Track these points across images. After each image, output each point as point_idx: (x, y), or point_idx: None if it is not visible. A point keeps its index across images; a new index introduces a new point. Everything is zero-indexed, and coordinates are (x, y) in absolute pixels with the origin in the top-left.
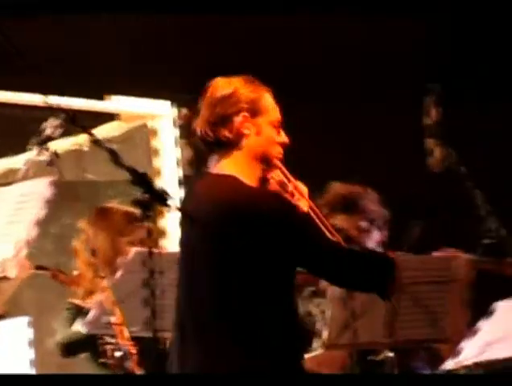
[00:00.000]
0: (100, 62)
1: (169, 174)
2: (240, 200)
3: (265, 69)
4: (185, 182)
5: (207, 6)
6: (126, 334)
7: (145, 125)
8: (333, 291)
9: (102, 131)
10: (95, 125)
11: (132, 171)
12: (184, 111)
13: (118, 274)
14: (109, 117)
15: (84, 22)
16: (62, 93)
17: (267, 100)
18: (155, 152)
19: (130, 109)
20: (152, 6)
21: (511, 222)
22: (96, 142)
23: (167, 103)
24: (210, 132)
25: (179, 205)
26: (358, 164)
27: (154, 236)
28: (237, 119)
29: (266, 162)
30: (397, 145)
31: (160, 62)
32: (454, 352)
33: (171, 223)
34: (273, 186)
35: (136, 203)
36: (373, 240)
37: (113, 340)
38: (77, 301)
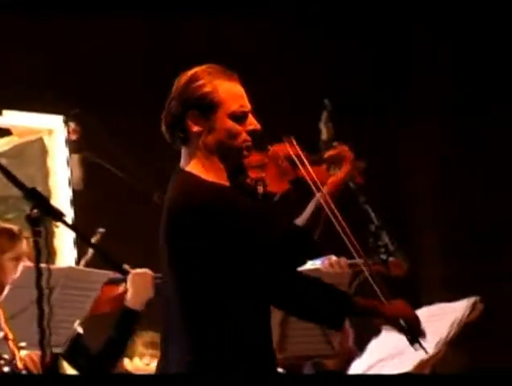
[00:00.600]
0: None
1: (61, 189)
2: (183, 198)
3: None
4: (76, 197)
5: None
6: (16, 349)
7: (39, 140)
8: None
9: None
10: None
11: (21, 186)
12: (73, 125)
13: (7, 290)
14: (4, 133)
15: None
16: None
17: (223, 91)
18: (48, 167)
19: (23, 124)
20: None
21: (401, 237)
22: None
23: (60, 118)
24: (166, 133)
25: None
26: None
27: (44, 251)
28: (188, 118)
29: (228, 156)
30: None
31: (54, 76)
32: (340, 367)
33: (61, 239)
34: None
35: (26, 218)
36: None
37: (6, 356)
38: None
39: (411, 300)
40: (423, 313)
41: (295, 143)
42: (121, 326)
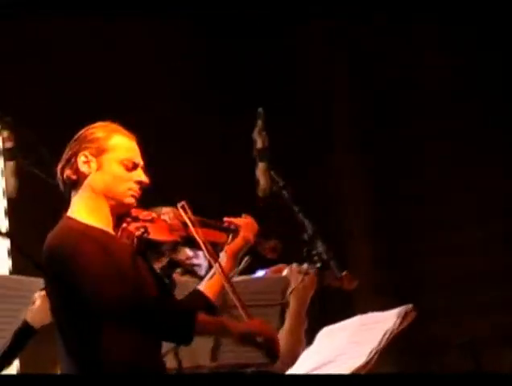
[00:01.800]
0: None
1: None
2: (49, 242)
3: None
4: (10, 206)
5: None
6: None
7: None
8: None
9: None
10: None
11: None
12: (6, 133)
13: None
14: None
15: None
16: None
17: (117, 140)
18: None
19: None
20: None
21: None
22: None
23: None
24: (59, 175)
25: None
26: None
27: None
28: (79, 159)
29: (113, 198)
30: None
31: None
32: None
33: None
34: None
35: None
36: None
37: None
38: None
39: (345, 308)
40: (356, 321)
41: (187, 208)
42: (16, 338)
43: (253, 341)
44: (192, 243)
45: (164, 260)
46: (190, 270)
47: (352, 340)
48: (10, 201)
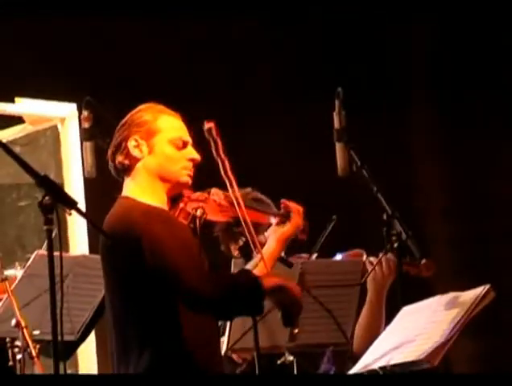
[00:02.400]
0: (7, 65)
1: (74, 177)
2: (112, 220)
3: None
4: (87, 186)
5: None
6: (29, 336)
7: (52, 128)
8: None
9: (5, 134)
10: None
11: (33, 173)
12: (85, 113)
13: (20, 278)
14: (18, 120)
15: None
16: None
17: (164, 120)
18: (61, 155)
19: (35, 112)
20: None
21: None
22: None
23: (73, 105)
24: (111, 161)
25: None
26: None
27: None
28: (130, 144)
29: (168, 180)
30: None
31: (67, 64)
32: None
33: (74, 227)
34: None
35: (39, 205)
36: None
37: (18, 343)
38: None
39: (425, 289)
40: (436, 301)
41: (235, 185)
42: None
43: (278, 299)
44: (240, 225)
45: (241, 242)
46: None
47: (431, 320)
48: (87, 180)
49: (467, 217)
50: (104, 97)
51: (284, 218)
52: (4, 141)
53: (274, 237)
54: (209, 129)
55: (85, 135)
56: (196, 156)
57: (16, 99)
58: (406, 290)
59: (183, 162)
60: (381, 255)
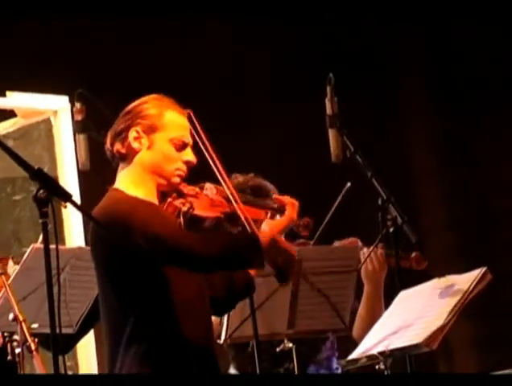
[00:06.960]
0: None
1: (68, 170)
2: (99, 213)
3: None
4: (82, 178)
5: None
6: (28, 330)
7: (45, 121)
8: None
9: None
10: None
11: (26, 167)
12: (78, 106)
13: (17, 271)
14: (10, 114)
15: None
16: None
17: (169, 117)
18: (54, 148)
19: (27, 105)
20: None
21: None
22: None
23: (65, 98)
24: (109, 146)
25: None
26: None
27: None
28: (130, 134)
29: (160, 177)
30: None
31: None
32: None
33: (69, 220)
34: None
35: (34, 199)
36: None
37: (16, 337)
38: None
39: (425, 276)
40: (433, 284)
41: (193, 117)
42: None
43: (272, 256)
44: (232, 220)
45: None
46: None
47: (429, 303)
48: (81, 172)
49: (463, 201)
50: (96, 89)
51: (278, 212)
52: None
53: (265, 230)
54: (189, 116)
55: (78, 128)
56: (193, 159)
57: (7, 92)
58: (405, 276)
59: (178, 163)
60: (371, 248)
